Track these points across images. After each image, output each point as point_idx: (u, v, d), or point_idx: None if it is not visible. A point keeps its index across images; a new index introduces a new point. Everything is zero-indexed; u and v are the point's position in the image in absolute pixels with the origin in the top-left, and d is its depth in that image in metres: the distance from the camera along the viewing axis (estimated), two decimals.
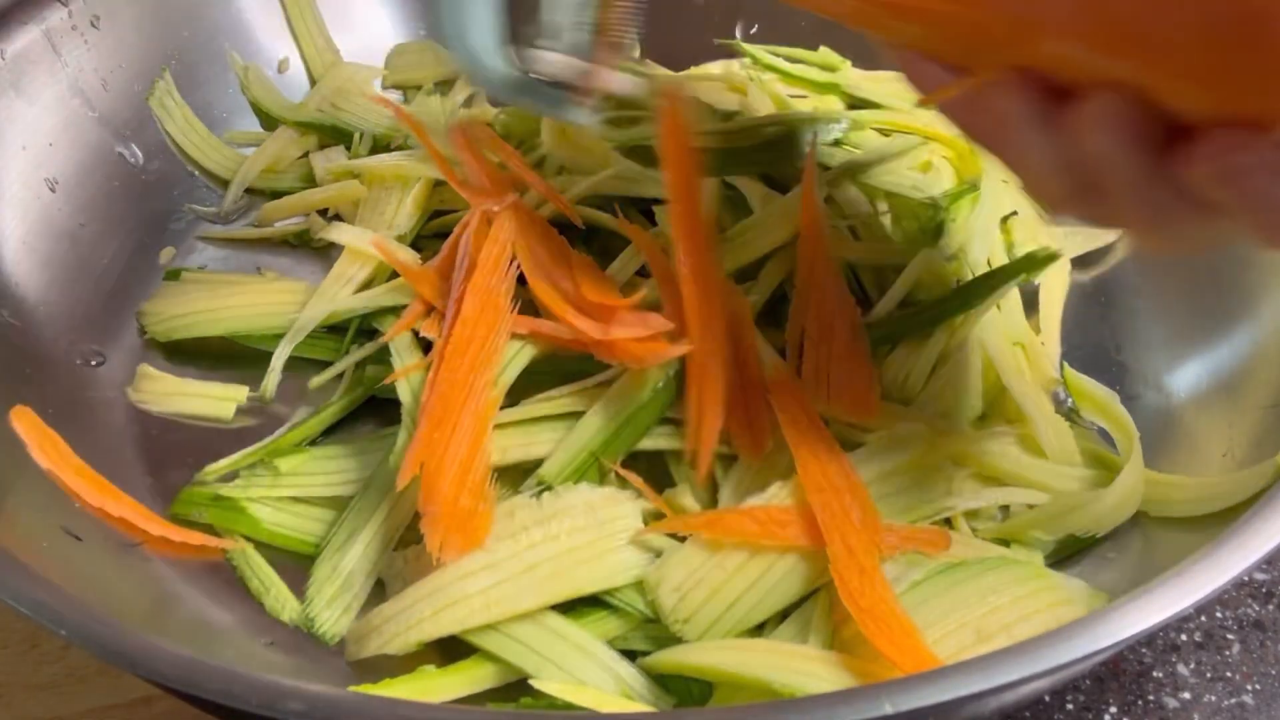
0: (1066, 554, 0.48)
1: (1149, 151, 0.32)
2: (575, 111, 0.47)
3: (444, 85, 0.72)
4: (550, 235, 0.53)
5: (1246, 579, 0.51)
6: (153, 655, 0.35)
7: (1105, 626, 0.35)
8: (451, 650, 0.44)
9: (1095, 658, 0.35)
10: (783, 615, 0.44)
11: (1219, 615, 0.50)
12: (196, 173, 0.67)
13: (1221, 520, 0.43)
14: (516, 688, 0.43)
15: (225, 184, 0.66)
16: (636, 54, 0.49)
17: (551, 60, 0.46)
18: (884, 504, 0.45)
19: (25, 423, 0.48)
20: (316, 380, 0.55)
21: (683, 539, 0.45)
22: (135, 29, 0.65)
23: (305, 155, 0.68)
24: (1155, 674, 0.48)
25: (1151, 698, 0.47)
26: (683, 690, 0.43)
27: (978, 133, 0.38)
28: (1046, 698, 0.47)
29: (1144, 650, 0.49)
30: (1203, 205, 0.33)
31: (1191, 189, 0.32)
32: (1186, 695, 0.48)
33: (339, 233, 0.60)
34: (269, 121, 0.69)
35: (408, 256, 0.58)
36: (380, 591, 0.47)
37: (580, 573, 0.44)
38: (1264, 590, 0.51)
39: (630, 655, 0.44)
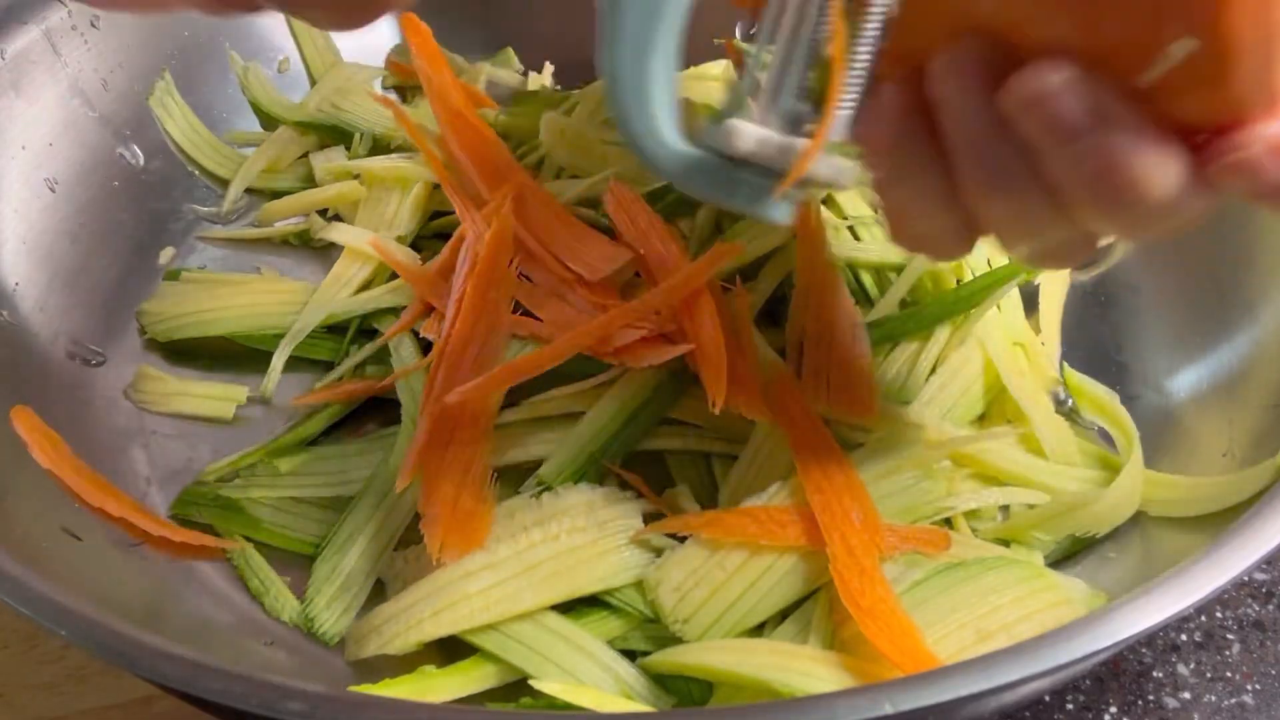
0: (1066, 554, 0.48)
1: (984, 91, 0.32)
2: (772, 205, 0.36)
3: None
4: (553, 208, 0.54)
5: (1246, 579, 0.51)
6: (153, 655, 0.35)
7: (1105, 626, 0.35)
8: (451, 650, 0.44)
9: (1095, 658, 0.35)
10: (783, 615, 0.44)
11: (1219, 615, 0.50)
12: (196, 173, 0.67)
13: (1221, 520, 0.43)
14: (516, 688, 0.43)
15: (225, 184, 0.66)
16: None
17: (747, 135, 0.35)
18: (884, 504, 0.45)
19: (25, 423, 0.48)
20: (319, 386, 0.55)
21: (683, 539, 0.45)
22: (135, 29, 0.65)
23: (305, 155, 0.68)
24: (1155, 674, 0.48)
25: (1151, 698, 0.47)
26: (683, 690, 0.43)
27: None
28: (1046, 698, 0.47)
29: (1144, 650, 0.49)
30: (1034, 158, 0.32)
31: (1017, 133, 0.31)
32: (1186, 695, 0.48)
33: (339, 233, 0.60)
34: (269, 121, 0.69)
35: (407, 257, 0.58)
36: (380, 591, 0.47)
37: (580, 573, 0.44)
38: (1264, 590, 0.51)
39: (630, 655, 0.44)
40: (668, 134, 0.36)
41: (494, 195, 0.54)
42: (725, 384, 0.46)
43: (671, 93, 0.35)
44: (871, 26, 0.34)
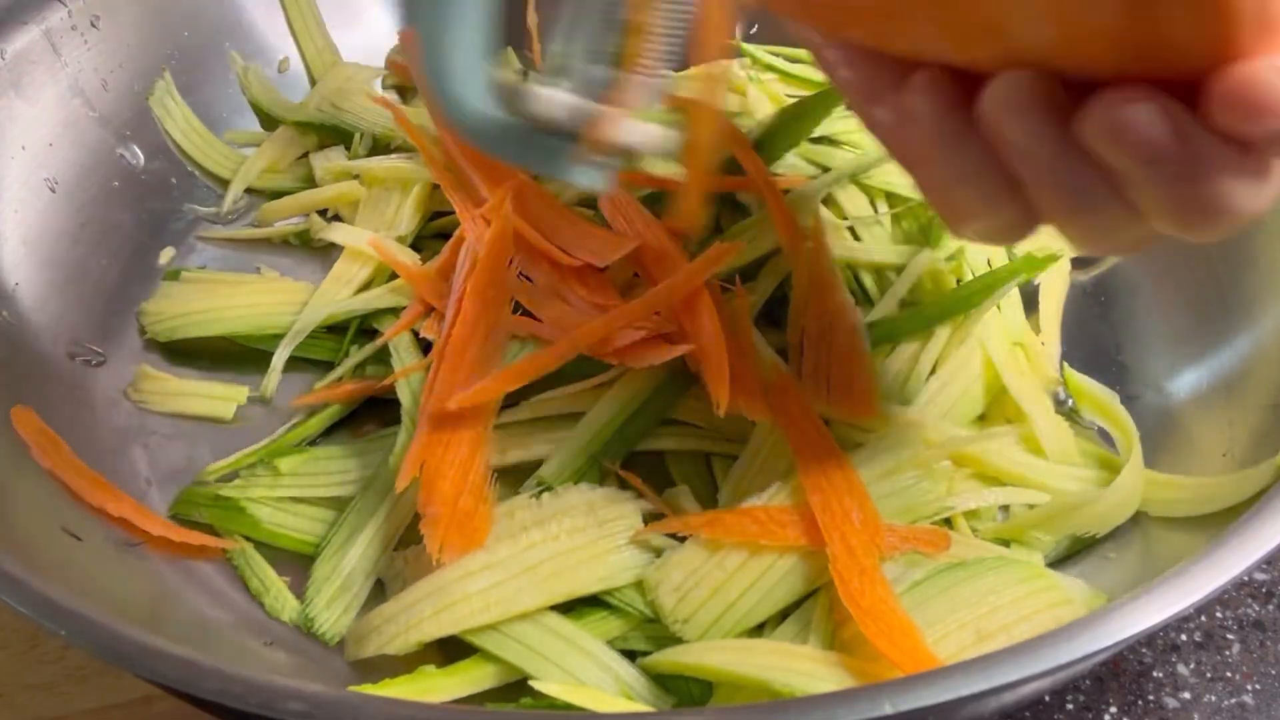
0: (1066, 554, 0.48)
1: (1060, 124, 0.31)
2: (579, 170, 0.37)
3: None
4: (554, 205, 0.54)
5: (1246, 579, 0.51)
6: (153, 655, 0.35)
7: (1105, 626, 0.35)
8: (451, 650, 0.44)
9: (1095, 658, 0.35)
10: (783, 615, 0.44)
11: (1219, 615, 0.50)
12: (196, 173, 0.67)
13: (1221, 520, 0.43)
14: (516, 688, 0.43)
15: (225, 184, 0.66)
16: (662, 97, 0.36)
17: (554, 101, 0.35)
18: (884, 504, 0.45)
19: (25, 423, 0.48)
20: (319, 386, 0.55)
21: (683, 539, 0.45)
22: (135, 29, 0.65)
23: (305, 155, 0.68)
24: (1155, 674, 0.48)
25: (1151, 698, 0.47)
26: (683, 690, 0.43)
27: (887, 139, 0.36)
28: (1046, 698, 0.47)
29: (1144, 650, 0.49)
30: (1117, 182, 0.31)
31: (1098, 159, 0.30)
32: (1186, 695, 0.48)
33: (338, 233, 0.60)
34: (269, 121, 0.69)
35: (407, 257, 0.58)
36: (380, 591, 0.47)
37: (580, 573, 0.44)
38: (1264, 590, 0.51)
39: (630, 655, 0.44)
40: (474, 97, 0.36)
41: (494, 195, 0.54)
42: (728, 384, 0.46)
43: (479, 56, 0.36)
44: None
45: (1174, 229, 0.32)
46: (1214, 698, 0.47)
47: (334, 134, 0.67)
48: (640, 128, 0.35)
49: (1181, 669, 0.48)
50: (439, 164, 0.58)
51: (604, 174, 0.36)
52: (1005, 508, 0.49)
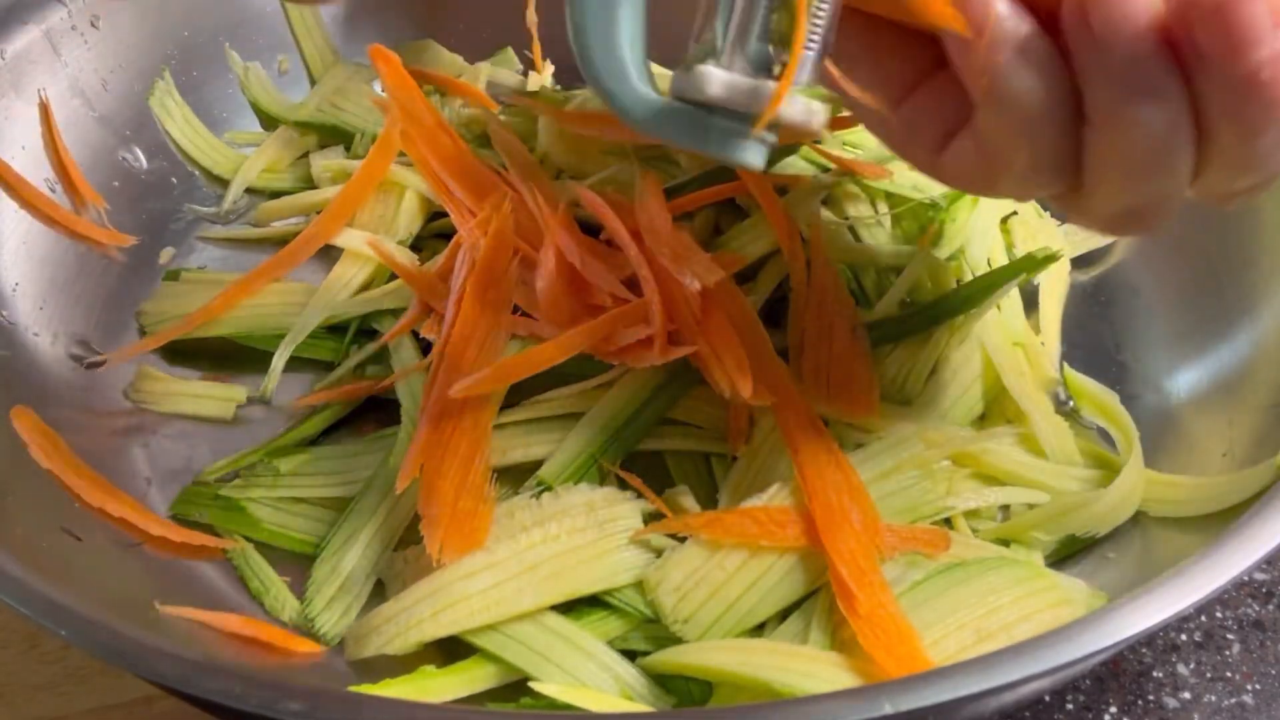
0: (1066, 554, 0.48)
1: (1151, 19, 0.31)
2: (745, 149, 0.36)
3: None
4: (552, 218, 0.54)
5: (1246, 579, 0.51)
6: (153, 655, 0.35)
7: (1105, 626, 0.35)
8: (451, 650, 0.44)
9: (1095, 658, 0.35)
10: (783, 615, 0.44)
11: (1219, 615, 0.50)
12: (196, 173, 0.67)
13: (1221, 520, 0.43)
14: (516, 688, 0.43)
15: (225, 184, 0.66)
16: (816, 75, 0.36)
17: (715, 80, 0.35)
18: (884, 504, 0.45)
19: (25, 423, 0.48)
20: (319, 386, 0.55)
21: (683, 539, 0.45)
22: (135, 29, 0.65)
23: (305, 155, 0.68)
24: (1155, 674, 0.48)
25: (1151, 698, 0.47)
26: (683, 690, 0.43)
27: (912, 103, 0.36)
28: (1046, 698, 0.47)
29: (1144, 650, 0.49)
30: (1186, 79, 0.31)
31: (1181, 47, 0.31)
32: (1186, 695, 0.48)
33: (338, 234, 0.60)
34: (269, 121, 0.69)
35: (406, 258, 0.58)
36: (380, 592, 0.47)
37: (580, 573, 0.44)
38: (1264, 590, 0.51)
39: (630, 655, 0.44)
40: (636, 82, 0.36)
41: (481, 209, 0.54)
42: (748, 368, 0.46)
43: (639, 41, 0.36)
44: None
45: (1242, 140, 0.32)
46: (1214, 698, 0.47)
47: (334, 134, 0.67)
48: (804, 103, 0.35)
49: (1181, 669, 0.48)
50: (432, 169, 0.58)
51: (764, 151, 0.37)
52: (1005, 508, 0.49)
